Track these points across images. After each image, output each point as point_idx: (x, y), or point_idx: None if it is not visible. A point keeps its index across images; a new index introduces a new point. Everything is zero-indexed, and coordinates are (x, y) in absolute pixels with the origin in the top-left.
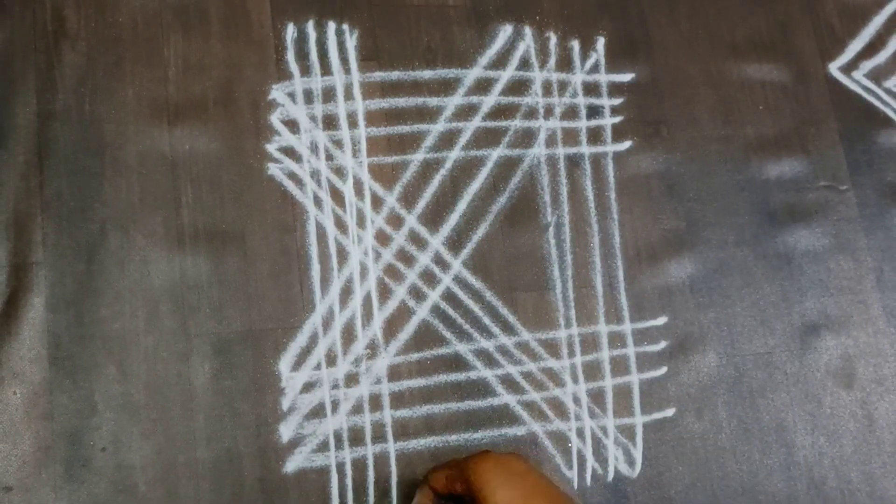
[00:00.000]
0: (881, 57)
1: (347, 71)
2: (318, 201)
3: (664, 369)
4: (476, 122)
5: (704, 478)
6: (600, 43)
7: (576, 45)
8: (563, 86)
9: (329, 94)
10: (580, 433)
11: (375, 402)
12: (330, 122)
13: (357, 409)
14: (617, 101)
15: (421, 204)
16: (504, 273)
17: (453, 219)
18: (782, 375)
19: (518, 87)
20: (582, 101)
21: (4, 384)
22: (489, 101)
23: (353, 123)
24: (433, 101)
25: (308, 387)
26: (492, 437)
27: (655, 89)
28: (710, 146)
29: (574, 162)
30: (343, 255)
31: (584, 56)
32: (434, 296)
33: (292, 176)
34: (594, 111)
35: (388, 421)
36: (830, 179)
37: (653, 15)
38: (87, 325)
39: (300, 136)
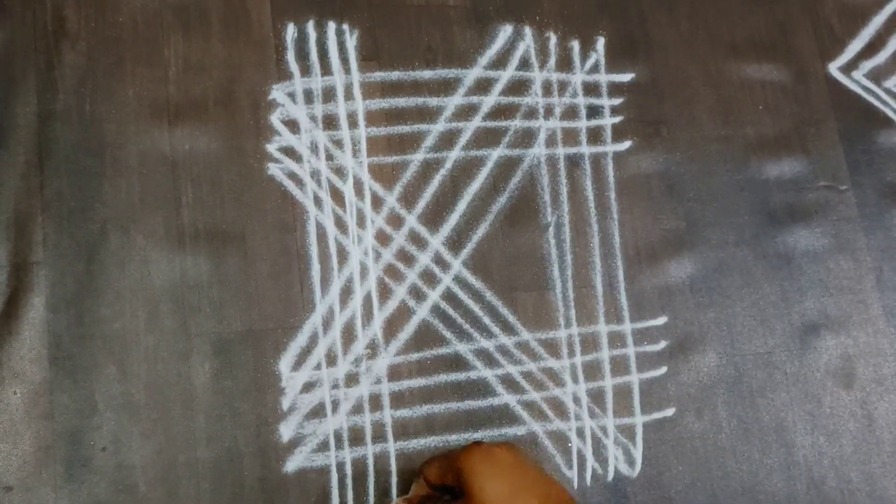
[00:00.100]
0: (881, 57)
1: (347, 71)
2: (318, 201)
3: (664, 369)
4: (476, 122)
5: (704, 478)
6: (600, 43)
7: (576, 45)
8: (563, 86)
9: (329, 94)
10: (580, 433)
11: (375, 401)
12: (330, 122)
13: (357, 409)
14: (617, 101)
15: (421, 204)
16: (504, 273)
17: (453, 219)
18: (782, 375)
19: (518, 87)
20: (582, 101)
21: (5, 384)
22: (489, 101)
23: (353, 123)
24: (433, 101)
25: (308, 386)
26: (492, 437)
27: (655, 89)
28: (709, 146)
29: (574, 162)
30: (343, 255)
31: (584, 56)
32: (434, 296)
33: (292, 176)
34: (594, 111)
35: (388, 421)
36: (830, 179)
37: (653, 15)
38: (87, 325)
39: (300, 136)
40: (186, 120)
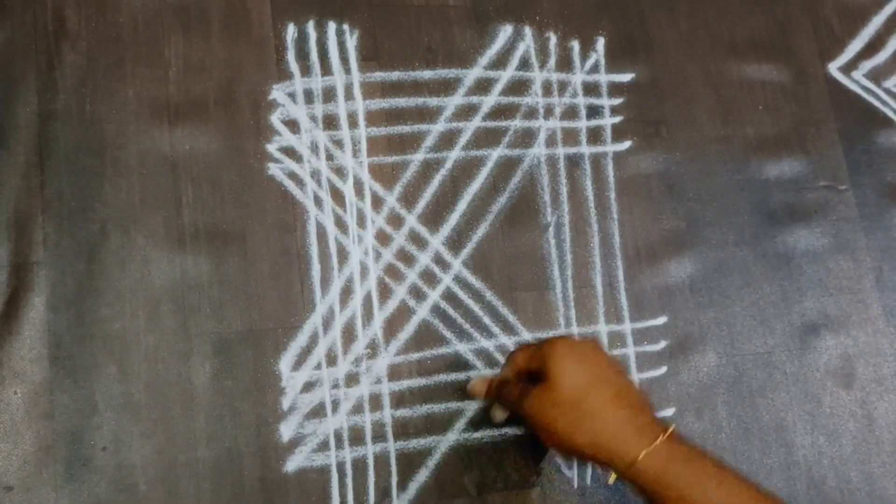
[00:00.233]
0: (881, 57)
1: (348, 71)
2: (318, 201)
3: (664, 369)
4: (476, 122)
5: None
6: (600, 43)
7: (576, 45)
8: (563, 86)
9: (329, 94)
10: None
11: (376, 401)
12: (330, 122)
13: (357, 409)
14: (617, 101)
15: (421, 204)
16: (504, 273)
17: (453, 219)
18: (782, 375)
19: (518, 87)
20: (582, 101)
21: (5, 384)
22: (489, 101)
23: (353, 123)
24: (433, 101)
25: (308, 386)
26: (492, 437)
27: (655, 89)
28: (709, 146)
29: (574, 162)
30: (343, 255)
31: (584, 56)
32: (434, 295)
33: (293, 176)
34: (594, 111)
35: (389, 420)
36: (830, 179)
37: (653, 15)
38: (87, 325)
39: (300, 136)
40: (187, 120)
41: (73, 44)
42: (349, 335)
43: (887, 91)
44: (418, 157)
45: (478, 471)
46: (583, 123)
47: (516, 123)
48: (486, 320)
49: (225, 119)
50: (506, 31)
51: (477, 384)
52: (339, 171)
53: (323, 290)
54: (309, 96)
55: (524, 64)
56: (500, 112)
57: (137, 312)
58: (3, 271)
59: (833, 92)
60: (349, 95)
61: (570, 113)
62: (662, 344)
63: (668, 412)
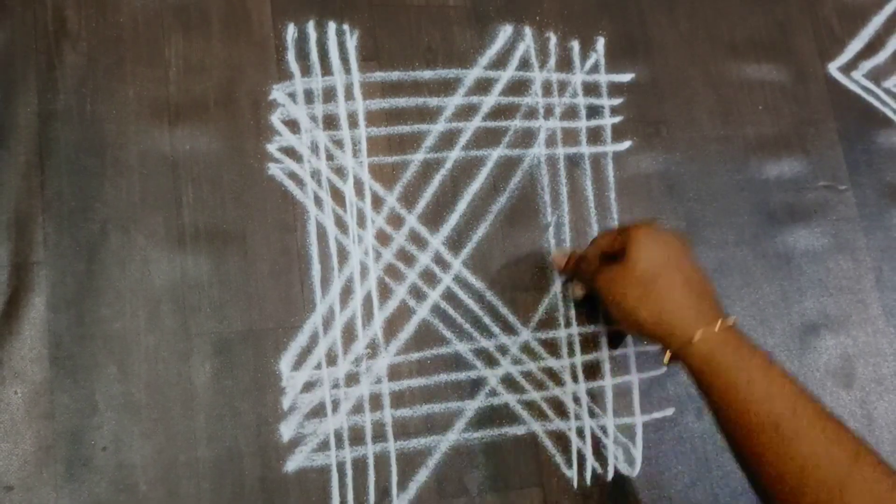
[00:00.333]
0: (880, 57)
1: (348, 71)
2: (318, 201)
3: (664, 369)
4: (476, 122)
5: (704, 477)
6: (600, 43)
7: (576, 45)
8: (563, 86)
9: (329, 95)
10: (580, 432)
11: (376, 401)
12: (330, 122)
13: (357, 409)
14: (617, 101)
15: (421, 204)
16: (504, 273)
17: (453, 219)
18: None
19: (518, 87)
20: (582, 101)
21: (5, 383)
22: (489, 101)
23: (353, 123)
24: (433, 102)
25: (308, 386)
26: (492, 437)
27: (655, 89)
28: (709, 146)
29: (574, 162)
30: (343, 255)
31: (584, 56)
32: (434, 295)
33: (293, 176)
34: (594, 111)
35: (389, 420)
36: (830, 179)
37: (652, 15)
38: (87, 325)
39: (301, 136)
40: (187, 120)
41: (74, 44)
42: (349, 335)
43: (887, 91)
44: (418, 157)
45: (478, 471)
46: (583, 123)
47: (516, 123)
48: (486, 320)
49: (225, 119)
50: (506, 32)
51: (558, 255)
52: (340, 171)
53: (323, 290)
54: (309, 96)
55: (524, 64)
56: (500, 112)
57: (138, 312)
58: (4, 271)
59: (833, 92)
60: (349, 95)
61: (570, 113)
62: None
63: (668, 412)
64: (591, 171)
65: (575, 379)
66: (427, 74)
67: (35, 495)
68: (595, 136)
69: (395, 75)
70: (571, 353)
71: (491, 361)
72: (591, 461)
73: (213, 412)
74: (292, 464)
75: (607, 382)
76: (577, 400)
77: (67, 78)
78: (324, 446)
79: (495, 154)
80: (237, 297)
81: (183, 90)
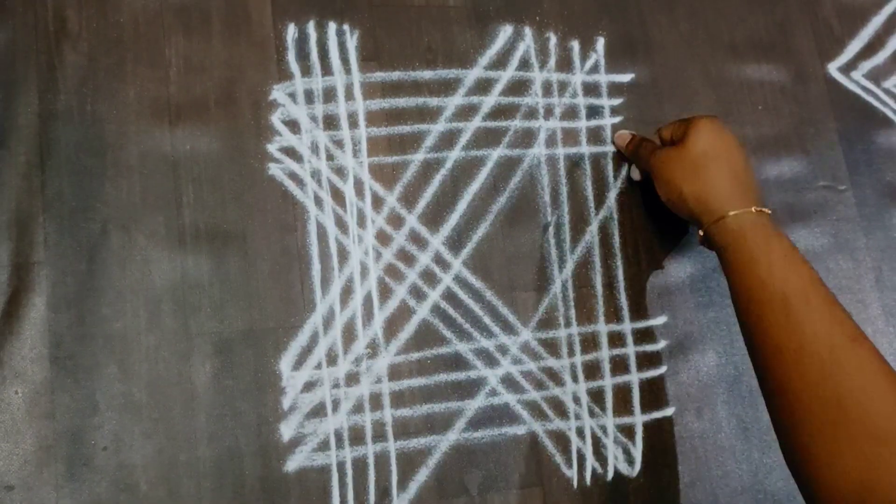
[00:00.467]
0: (880, 57)
1: (348, 71)
2: (318, 201)
3: (664, 368)
4: (476, 122)
5: (704, 477)
6: (600, 43)
7: (576, 45)
8: (563, 86)
9: (330, 95)
10: (580, 432)
11: (376, 401)
12: (330, 123)
13: (358, 409)
14: (617, 102)
15: (421, 204)
16: (504, 273)
17: (453, 219)
18: None
19: (518, 87)
20: (582, 101)
21: (6, 383)
22: (489, 101)
23: (353, 123)
24: (433, 102)
25: (309, 386)
26: (492, 437)
27: (655, 89)
28: None
29: (574, 162)
30: (344, 255)
31: (584, 56)
32: (434, 295)
33: (293, 176)
34: (594, 111)
35: (389, 420)
36: (829, 179)
37: (652, 15)
38: (88, 325)
39: (301, 137)
40: (187, 120)
41: (74, 44)
42: (349, 335)
43: (887, 91)
44: (418, 157)
45: (478, 471)
46: (583, 123)
47: (516, 123)
48: (486, 320)
49: (225, 119)
50: (506, 32)
51: (622, 135)
52: (340, 171)
53: (323, 290)
54: (309, 96)
55: (524, 64)
56: (500, 112)
57: (138, 312)
58: (4, 271)
59: (832, 92)
60: (349, 96)
61: (570, 113)
62: (662, 343)
63: (668, 412)
64: (590, 171)
65: (575, 379)
66: (427, 74)
67: (35, 495)
68: (595, 136)
69: (395, 75)
70: (571, 352)
71: (491, 361)
72: (591, 461)
73: (213, 412)
74: (292, 463)
75: (607, 382)
76: (577, 400)
77: (68, 78)
78: (324, 446)
79: (495, 154)
80: (237, 297)
81: (183, 90)
